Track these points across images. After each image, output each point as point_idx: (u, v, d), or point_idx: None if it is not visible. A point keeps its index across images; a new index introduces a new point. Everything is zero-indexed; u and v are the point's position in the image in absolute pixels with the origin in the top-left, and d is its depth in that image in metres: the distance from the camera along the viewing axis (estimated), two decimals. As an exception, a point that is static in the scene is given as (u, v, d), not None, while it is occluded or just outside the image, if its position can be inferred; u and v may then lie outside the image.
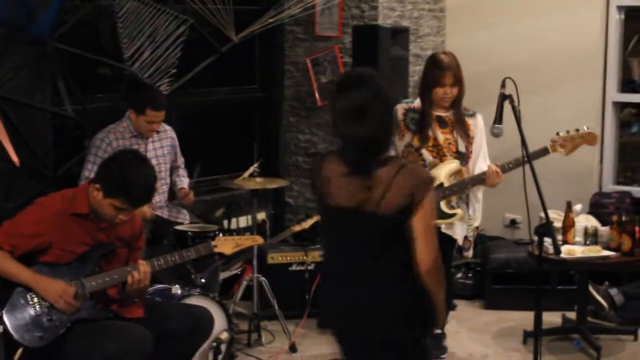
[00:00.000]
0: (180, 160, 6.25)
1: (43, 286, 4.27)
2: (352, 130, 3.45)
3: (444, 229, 5.58)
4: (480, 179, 5.47)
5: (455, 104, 5.52)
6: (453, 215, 5.53)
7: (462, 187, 5.51)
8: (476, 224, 5.75)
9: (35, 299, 4.28)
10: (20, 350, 4.21)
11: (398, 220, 3.43)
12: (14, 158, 5.59)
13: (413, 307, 3.50)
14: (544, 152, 5.44)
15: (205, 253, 4.77)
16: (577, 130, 5.52)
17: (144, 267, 4.41)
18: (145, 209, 5.59)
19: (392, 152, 5.49)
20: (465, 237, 5.67)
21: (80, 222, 4.39)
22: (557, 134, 5.51)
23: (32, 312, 4.27)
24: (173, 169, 6.19)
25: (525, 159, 4.72)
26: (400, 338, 3.53)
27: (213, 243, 4.74)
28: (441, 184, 5.47)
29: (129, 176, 4.31)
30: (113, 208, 4.33)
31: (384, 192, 3.41)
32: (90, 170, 5.64)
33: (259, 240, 4.93)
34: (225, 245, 4.76)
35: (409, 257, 3.44)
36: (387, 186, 3.41)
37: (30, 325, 4.25)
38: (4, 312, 4.25)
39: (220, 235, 4.84)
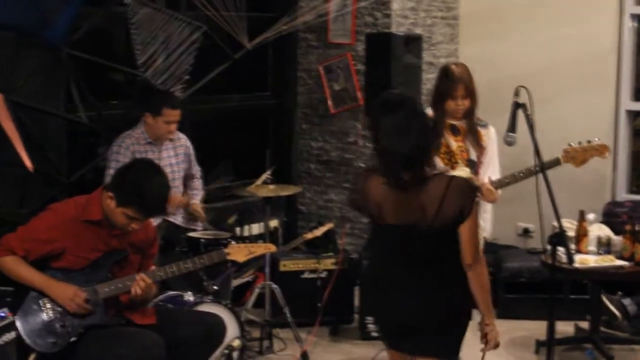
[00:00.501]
0: (195, 169, 6.23)
1: (55, 290, 4.29)
2: (399, 147, 3.73)
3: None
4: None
5: (468, 114, 5.52)
6: (462, 223, 5.50)
7: None
8: (484, 234, 5.73)
9: (48, 305, 4.29)
10: (33, 356, 4.23)
11: (449, 231, 3.79)
12: (28, 164, 5.62)
13: (463, 303, 4.02)
14: (556, 162, 5.41)
15: (218, 260, 4.77)
16: (589, 141, 5.50)
17: (138, 279, 4.39)
18: (199, 208, 5.79)
19: None
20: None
21: (93, 228, 4.40)
22: (569, 144, 5.50)
23: (44, 317, 4.28)
24: (187, 178, 6.18)
25: (537, 168, 4.71)
26: (453, 331, 4.11)
27: (226, 250, 4.74)
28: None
29: (143, 186, 4.32)
30: (126, 217, 4.33)
31: (437, 209, 3.73)
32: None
33: (272, 247, 4.93)
34: (238, 252, 4.75)
35: (458, 260, 3.86)
36: (439, 204, 3.73)
37: (43, 331, 4.26)
38: (17, 317, 4.26)
39: (233, 242, 4.83)
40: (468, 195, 3.79)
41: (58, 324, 4.28)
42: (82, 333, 4.30)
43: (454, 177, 3.88)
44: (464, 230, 3.80)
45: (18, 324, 4.25)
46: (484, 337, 4.22)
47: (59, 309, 4.30)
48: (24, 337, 4.23)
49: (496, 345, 4.17)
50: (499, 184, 5.45)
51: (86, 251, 4.37)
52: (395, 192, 3.78)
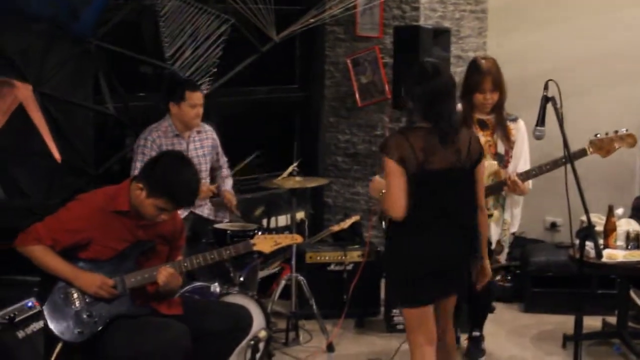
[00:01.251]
0: (223, 160, 6.25)
1: (82, 279, 4.32)
2: (444, 108, 4.41)
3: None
4: (503, 185, 5.46)
5: (497, 108, 5.50)
6: (489, 216, 5.50)
7: (495, 189, 5.49)
8: (513, 229, 5.71)
9: (75, 295, 4.32)
10: (59, 345, 4.25)
11: (472, 171, 4.52)
12: (56, 155, 5.66)
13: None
14: (582, 153, 5.39)
15: (244, 251, 4.79)
16: (616, 132, 5.46)
17: (165, 272, 4.41)
18: (231, 198, 5.89)
19: None
20: (498, 241, 5.64)
21: (121, 219, 4.42)
22: (596, 135, 5.46)
23: (72, 307, 4.31)
24: (215, 169, 6.20)
25: (564, 159, 4.69)
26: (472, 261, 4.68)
27: (252, 241, 4.75)
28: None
29: (174, 177, 4.35)
30: (155, 208, 4.36)
31: (467, 152, 4.46)
32: (139, 169, 5.68)
33: (298, 239, 4.93)
34: (264, 243, 4.76)
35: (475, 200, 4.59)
36: (468, 148, 4.47)
37: (70, 321, 4.29)
38: (44, 307, 4.29)
39: (259, 233, 4.84)
40: (480, 141, 4.66)
41: (85, 314, 4.30)
42: (109, 323, 4.32)
43: (466, 128, 4.73)
44: (480, 173, 4.60)
45: (46, 313, 4.28)
46: (481, 274, 4.79)
47: (86, 299, 4.32)
48: (51, 327, 4.26)
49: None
50: (525, 177, 5.43)
51: (113, 241, 4.39)
52: (437, 142, 4.37)
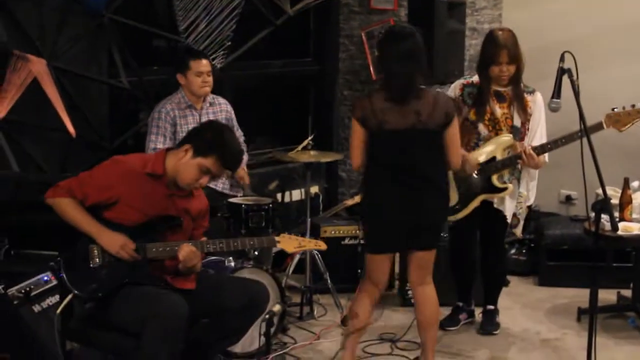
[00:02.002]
0: (238, 134, 6.24)
1: (106, 237, 4.33)
2: (405, 69, 4.66)
3: (495, 204, 5.56)
4: (518, 158, 5.44)
5: (514, 81, 5.47)
6: (504, 189, 5.50)
7: (512, 162, 5.47)
8: (528, 202, 5.70)
9: (96, 252, 4.34)
10: (69, 296, 4.28)
11: (440, 133, 4.72)
12: (70, 129, 5.68)
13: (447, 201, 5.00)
14: (598, 127, 5.36)
15: (267, 245, 4.84)
16: (633, 105, 5.42)
17: (187, 248, 4.42)
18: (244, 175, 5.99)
19: None
20: (514, 215, 5.63)
21: (154, 183, 4.43)
22: (613, 109, 5.43)
23: (90, 264, 4.32)
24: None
25: (580, 133, 4.66)
26: (441, 224, 5.10)
27: (277, 239, 4.75)
28: (494, 158, 5.45)
29: (225, 138, 4.45)
30: (199, 169, 4.38)
31: (429, 114, 4.68)
32: (154, 141, 5.69)
33: (322, 245, 4.92)
34: (288, 243, 4.76)
35: (443, 160, 4.80)
36: (431, 108, 4.68)
37: (86, 276, 4.31)
38: (62, 259, 4.33)
39: (285, 233, 4.84)
40: (450, 103, 4.81)
41: (102, 271, 4.33)
42: (120, 288, 4.32)
43: (438, 90, 4.98)
44: (450, 135, 4.75)
45: (63, 265, 4.31)
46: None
47: (106, 258, 4.34)
48: (66, 278, 4.28)
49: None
50: (541, 150, 5.41)
51: (141, 203, 4.39)
52: (396, 103, 4.69)
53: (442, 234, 5.31)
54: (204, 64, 5.86)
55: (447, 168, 4.89)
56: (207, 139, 4.42)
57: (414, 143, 4.73)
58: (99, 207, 4.39)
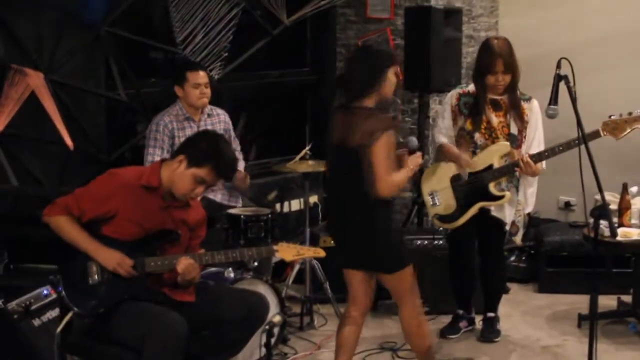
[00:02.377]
0: (235, 143, 6.25)
1: (103, 255, 4.33)
2: (347, 84, 4.69)
3: (493, 212, 5.56)
4: (515, 166, 5.44)
5: (510, 89, 5.48)
6: (501, 197, 5.50)
7: (508, 170, 5.47)
8: (528, 210, 5.71)
9: (94, 268, 4.34)
10: (69, 315, 4.28)
11: (361, 154, 4.52)
12: (68, 142, 5.68)
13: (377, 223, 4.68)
14: (595, 135, 5.36)
15: (266, 255, 4.84)
16: (630, 113, 5.43)
17: (185, 261, 4.42)
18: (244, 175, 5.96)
19: (441, 137, 5.53)
20: (513, 222, 5.63)
21: (149, 196, 4.43)
22: (610, 116, 5.43)
23: (89, 281, 4.33)
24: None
25: (577, 141, 4.67)
26: (366, 243, 4.73)
27: (275, 248, 4.75)
28: (491, 166, 5.45)
29: (219, 147, 4.45)
30: (194, 179, 4.38)
31: (353, 130, 4.55)
32: (152, 154, 5.68)
33: (321, 252, 4.92)
34: (287, 251, 4.75)
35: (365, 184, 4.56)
36: (356, 126, 4.55)
37: (85, 293, 4.31)
38: (61, 277, 4.33)
39: (284, 242, 4.84)
40: (381, 122, 4.55)
41: (100, 288, 4.33)
42: (120, 304, 4.33)
43: (374, 108, 4.64)
44: (373, 157, 4.50)
45: (62, 283, 4.32)
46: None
47: (105, 274, 4.34)
48: (67, 298, 4.29)
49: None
50: (538, 158, 5.42)
51: (138, 216, 4.39)
52: (339, 116, 4.69)
53: (394, 259, 4.74)
54: (202, 76, 5.86)
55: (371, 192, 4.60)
56: (200, 149, 4.42)
57: (342, 161, 4.70)
58: (97, 222, 4.39)
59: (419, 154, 4.81)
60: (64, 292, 4.32)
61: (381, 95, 4.67)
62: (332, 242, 4.98)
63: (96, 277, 4.35)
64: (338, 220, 4.85)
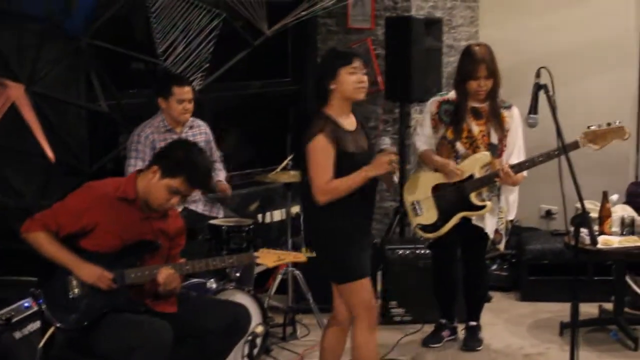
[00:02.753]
0: (216, 155, 6.25)
1: (83, 269, 4.32)
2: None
3: (474, 221, 5.57)
4: (495, 176, 5.46)
5: (491, 96, 5.50)
6: (483, 207, 5.51)
7: (489, 180, 5.49)
8: (510, 217, 5.72)
9: (74, 282, 4.33)
10: (51, 330, 4.26)
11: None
12: (49, 154, 5.66)
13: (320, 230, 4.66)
14: (574, 145, 5.38)
15: (247, 262, 4.82)
16: (609, 124, 5.45)
17: (166, 272, 4.42)
18: (224, 186, 5.93)
19: (422, 144, 5.54)
20: (496, 230, 5.65)
21: (126, 207, 4.42)
22: (589, 127, 5.46)
23: (69, 295, 4.31)
24: (207, 164, 6.20)
25: (557, 152, 4.69)
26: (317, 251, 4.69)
27: (256, 254, 4.75)
28: (472, 176, 5.47)
29: (192, 157, 4.42)
30: (168, 190, 4.36)
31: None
32: (134, 165, 5.67)
33: (301, 257, 4.92)
34: (267, 257, 4.75)
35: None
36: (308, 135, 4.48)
37: (65, 307, 4.30)
38: (43, 291, 4.32)
39: (265, 248, 4.84)
40: (314, 127, 4.47)
41: (81, 302, 4.32)
42: (102, 317, 4.32)
43: (321, 120, 4.51)
44: (307, 160, 4.50)
45: (43, 297, 4.30)
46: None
47: (84, 288, 4.33)
48: (48, 312, 4.27)
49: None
50: (518, 168, 5.44)
51: (117, 229, 4.39)
52: None
53: (342, 269, 4.64)
54: (187, 91, 5.87)
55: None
56: (174, 159, 4.40)
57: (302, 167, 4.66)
58: (75, 235, 4.38)
59: (388, 152, 4.57)
60: (45, 307, 4.30)
61: (341, 98, 4.53)
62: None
63: (76, 290, 4.34)
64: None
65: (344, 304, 4.71)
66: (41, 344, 4.27)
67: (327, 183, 4.47)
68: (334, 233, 4.59)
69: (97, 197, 4.41)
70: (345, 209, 4.54)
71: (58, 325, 4.29)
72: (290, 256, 4.85)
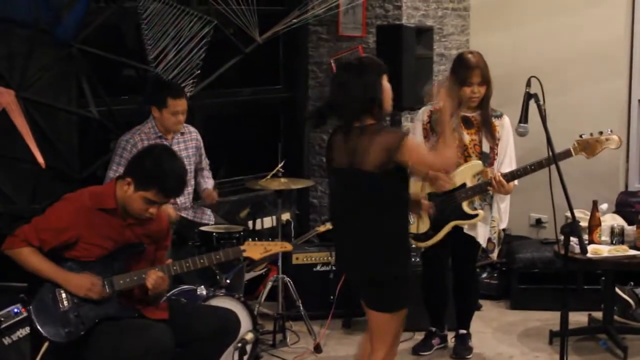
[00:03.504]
0: (205, 162, 6.26)
1: (72, 282, 4.31)
2: (335, 99, 4.35)
3: (466, 230, 5.58)
4: (488, 185, 5.47)
5: (483, 104, 5.52)
6: (475, 216, 5.52)
7: (481, 189, 5.50)
8: (502, 226, 5.73)
9: (64, 295, 4.32)
10: (46, 345, 4.24)
11: (379, 175, 4.20)
12: (40, 160, 5.65)
13: (388, 252, 4.32)
14: (567, 154, 5.40)
15: (233, 257, 4.78)
16: (601, 132, 5.48)
17: (154, 275, 4.41)
18: (170, 210, 5.62)
19: None
20: (489, 240, 5.66)
21: (108, 217, 4.41)
22: (581, 136, 5.48)
23: (59, 308, 4.30)
24: (197, 171, 6.21)
25: (548, 161, 4.70)
26: (376, 277, 4.34)
27: (242, 248, 4.74)
28: (464, 185, 5.47)
29: (163, 167, 4.35)
30: (144, 201, 4.34)
31: (365, 152, 4.20)
32: (115, 171, 5.67)
33: (288, 246, 4.91)
34: (254, 250, 4.75)
35: (385, 206, 4.28)
36: (367, 147, 4.19)
37: (57, 321, 4.28)
38: (31, 307, 4.29)
39: (250, 240, 4.82)
40: (394, 138, 4.22)
41: (72, 314, 4.30)
42: (95, 325, 4.31)
43: (384, 127, 4.40)
44: (410, 160, 4.23)
45: (33, 313, 4.27)
46: None
47: (74, 299, 4.31)
48: (38, 326, 4.25)
49: None
50: (510, 177, 5.45)
51: (100, 239, 4.38)
52: (342, 138, 4.31)
53: (393, 295, 4.39)
54: (182, 103, 5.86)
55: (384, 217, 4.31)
56: (145, 171, 4.36)
57: (347, 185, 4.37)
58: (61, 248, 4.36)
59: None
60: (36, 322, 4.27)
61: (382, 109, 4.38)
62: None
63: (66, 303, 4.32)
64: (337, 247, 4.57)
65: (370, 330, 4.48)
66: (36, 360, 4.26)
67: (440, 157, 4.35)
68: (398, 257, 4.40)
69: (77, 211, 4.38)
70: (408, 228, 4.55)
71: (51, 338, 4.26)
72: (277, 246, 4.85)
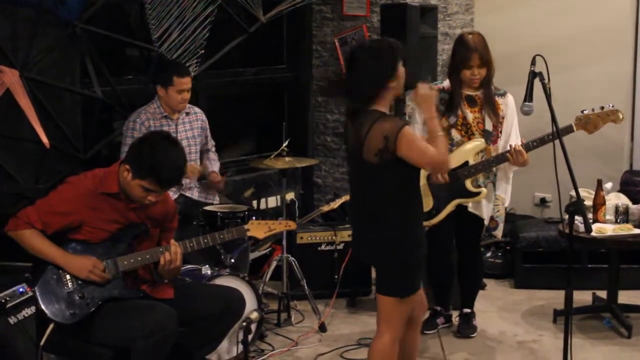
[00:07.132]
0: (211, 144, 6.26)
1: (74, 265, 4.32)
2: (352, 81, 4.27)
3: (470, 208, 5.58)
4: (505, 158, 5.44)
5: (485, 83, 5.50)
6: (478, 193, 5.52)
7: (486, 166, 5.49)
8: (505, 204, 5.72)
9: (68, 276, 4.33)
10: (51, 326, 4.26)
11: (378, 162, 4.16)
12: (44, 139, 5.65)
13: (392, 240, 4.26)
14: (568, 129, 5.39)
15: (237, 236, 4.78)
16: (602, 107, 5.46)
17: (175, 248, 4.43)
18: (194, 165, 5.81)
19: (417, 132, 5.52)
20: (492, 218, 5.66)
21: (111, 201, 4.42)
22: (582, 111, 5.46)
23: (64, 289, 4.31)
24: (203, 152, 6.20)
25: (551, 137, 4.69)
26: (381, 262, 4.39)
27: (246, 227, 4.74)
28: (466, 162, 5.47)
29: (159, 158, 4.31)
30: (142, 189, 4.34)
31: (365, 138, 4.16)
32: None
33: (292, 225, 4.92)
34: (258, 229, 4.75)
35: (388, 196, 4.22)
36: (366, 133, 4.15)
37: (62, 302, 4.30)
38: (36, 288, 4.30)
39: (253, 218, 4.82)
40: (393, 127, 4.12)
41: (77, 295, 4.31)
42: (100, 305, 4.33)
43: (386, 115, 4.24)
44: (406, 153, 4.13)
45: (38, 295, 4.29)
46: None
47: (79, 280, 4.32)
48: (44, 308, 4.26)
49: None
50: (526, 148, 5.42)
51: (104, 223, 4.39)
52: (351, 121, 4.29)
53: (396, 281, 4.33)
54: (187, 82, 5.86)
55: (388, 206, 4.26)
56: (141, 160, 4.33)
57: (354, 167, 4.42)
58: (65, 231, 4.37)
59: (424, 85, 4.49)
60: (41, 303, 4.29)
61: (393, 96, 4.33)
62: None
63: (70, 284, 4.33)
64: (354, 231, 4.52)
65: (378, 312, 4.46)
66: (42, 342, 4.25)
67: (437, 152, 4.21)
68: (406, 243, 4.32)
69: (81, 195, 4.39)
70: (417, 216, 4.41)
71: (56, 320, 4.27)
72: (280, 225, 4.85)
